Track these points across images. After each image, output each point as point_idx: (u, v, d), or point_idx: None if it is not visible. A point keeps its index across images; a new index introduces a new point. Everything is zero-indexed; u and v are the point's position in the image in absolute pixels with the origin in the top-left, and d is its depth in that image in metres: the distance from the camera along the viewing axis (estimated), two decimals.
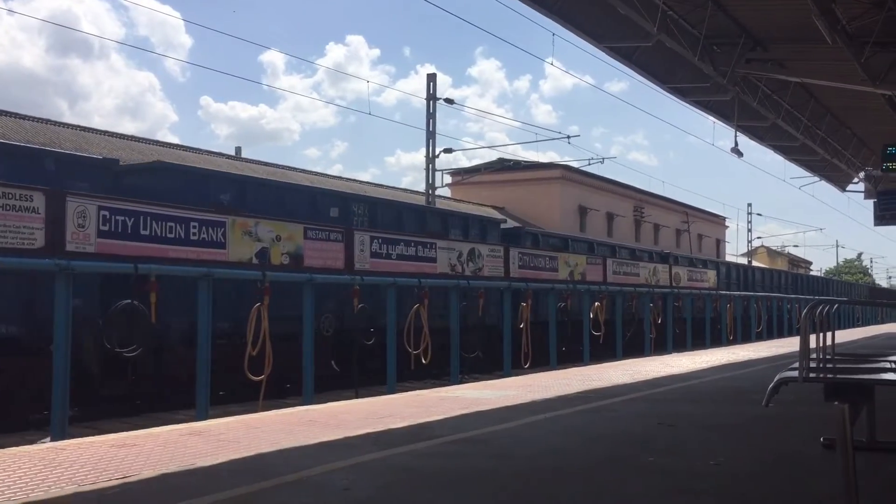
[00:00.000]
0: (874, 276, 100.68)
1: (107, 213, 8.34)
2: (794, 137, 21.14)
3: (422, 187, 27.03)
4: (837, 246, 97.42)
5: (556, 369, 12.92)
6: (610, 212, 41.26)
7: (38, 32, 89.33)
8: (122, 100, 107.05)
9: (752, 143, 23.39)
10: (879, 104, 17.92)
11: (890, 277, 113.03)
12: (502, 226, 18.73)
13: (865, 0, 12.20)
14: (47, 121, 17.10)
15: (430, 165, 25.94)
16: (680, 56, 15.17)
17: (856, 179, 28.28)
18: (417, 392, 9.09)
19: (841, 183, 29.34)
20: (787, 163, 26.37)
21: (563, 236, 22.34)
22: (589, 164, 33.04)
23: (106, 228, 8.30)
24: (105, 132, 18.63)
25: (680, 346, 19.35)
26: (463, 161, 60.57)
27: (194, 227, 9.23)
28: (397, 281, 11.20)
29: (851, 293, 45.44)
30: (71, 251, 7.84)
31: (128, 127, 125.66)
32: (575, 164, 35.67)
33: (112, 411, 9.58)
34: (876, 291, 57.56)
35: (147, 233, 8.73)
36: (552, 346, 14.45)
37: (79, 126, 18.07)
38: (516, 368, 13.26)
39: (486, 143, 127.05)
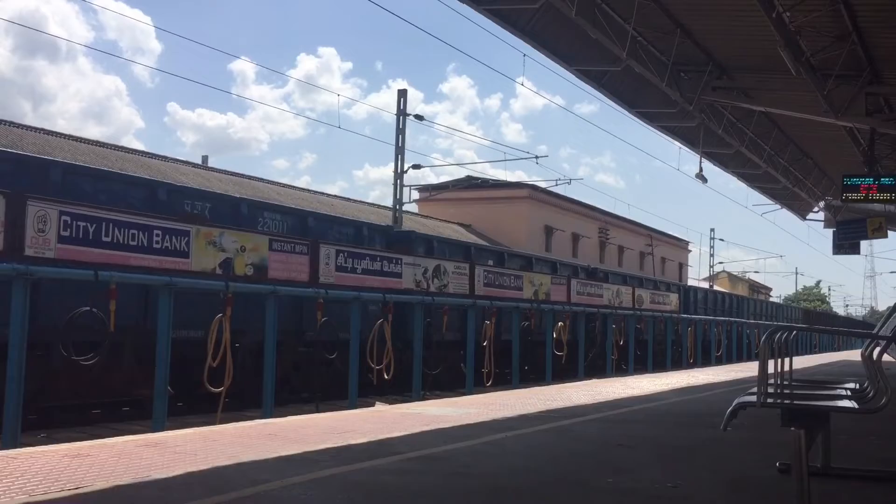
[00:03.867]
0: (832, 304, 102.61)
1: (68, 218, 8.21)
2: (757, 165, 21.50)
3: (389, 202, 27.05)
4: (797, 273, 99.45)
5: (518, 388, 12.95)
6: (575, 232, 41.58)
7: (4, 32, 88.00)
8: (88, 103, 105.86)
9: (717, 169, 23.75)
10: (840, 136, 18.31)
11: (847, 305, 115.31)
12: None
13: (829, 34, 12.48)
14: (10, 123, 16.83)
15: (399, 181, 25.96)
16: (648, 81, 15.39)
17: (816, 209, 28.82)
18: (379, 408, 9.05)
19: (801, 212, 29.87)
20: (750, 190, 26.80)
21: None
22: (556, 185, 33.36)
23: (66, 234, 8.16)
24: (70, 136, 18.39)
25: (641, 367, 19.50)
26: (431, 177, 60.77)
27: (157, 235, 9.12)
28: (361, 295, 11.16)
29: (781, 316, 42.53)
30: (30, 256, 7.70)
31: (93, 131, 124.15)
32: (543, 185, 35.98)
33: (66, 420, 9.40)
34: (811, 314, 55.84)
35: (109, 239, 8.60)
36: (515, 364, 14.48)
37: (43, 129, 17.83)
38: (478, 386, 13.26)
39: (455, 160, 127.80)
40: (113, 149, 18.98)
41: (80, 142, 18.00)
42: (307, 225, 13.28)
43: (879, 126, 15.72)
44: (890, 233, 25.97)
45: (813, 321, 49.56)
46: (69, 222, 8.22)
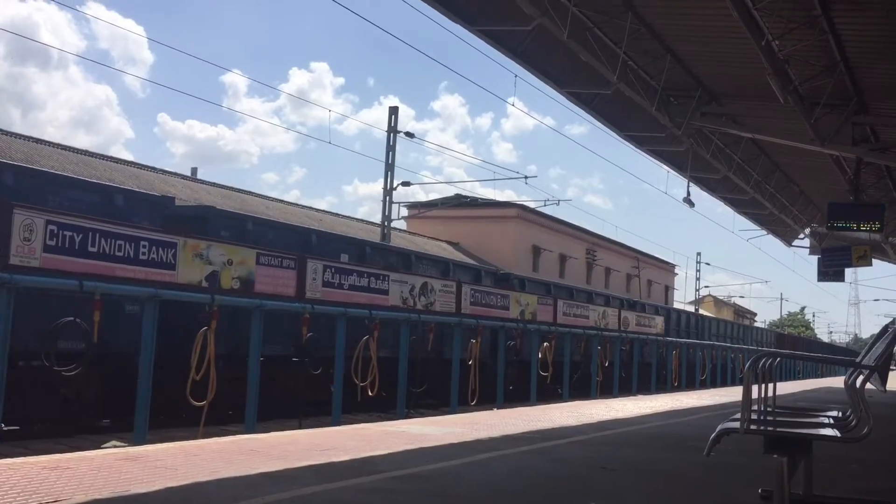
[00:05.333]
0: (816, 330, 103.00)
1: (54, 227, 8.14)
2: (744, 191, 21.66)
3: (378, 218, 27.09)
4: (782, 299, 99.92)
5: (502, 408, 12.92)
6: (563, 253, 41.68)
7: None
8: (78, 112, 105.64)
9: (704, 194, 23.91)
10: (827, 164, 18.48)
11: (831, 332, 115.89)
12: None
13: (817, 63, 12.62)
14: None
15: (388, 198, 26.00)
16: (638, 105, 15.51)
17: (802, 235, 29.04)
18: (362, 425, 9.01)
19: (787, 238, 30.08)
20: (737, 215, 26.99)
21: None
22: (545, 205, 33.60)
23: (52, 243, 8.09)
24: (59, 145, 18.33)
25: (626, 390, 19.50)
26: (420, 195, 60.87)
27: (144, 246, 9.07)
28: (348, 311, 11.13)
29: (749, 338, 38.55)
30: (15, 265, 7.63)
31: (82, 140, 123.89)
32: (532, 205, 36.15)
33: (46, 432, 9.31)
34: (783, 338, 53.81)
35: (95, 250, 8.54)
36: (500, 384, 14.46)
37: (31, 137, 17.76)
38: (463, 405, 13.22)
39: (444, 177, 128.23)
40: (103, 159, 18.92)
41: (70, 151, 17.94)
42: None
43: (865, 155, 15.89)
44: (874, 261, 26.20)
45: (787, 345, 47.19)
46: (55, 231, 8.16)
